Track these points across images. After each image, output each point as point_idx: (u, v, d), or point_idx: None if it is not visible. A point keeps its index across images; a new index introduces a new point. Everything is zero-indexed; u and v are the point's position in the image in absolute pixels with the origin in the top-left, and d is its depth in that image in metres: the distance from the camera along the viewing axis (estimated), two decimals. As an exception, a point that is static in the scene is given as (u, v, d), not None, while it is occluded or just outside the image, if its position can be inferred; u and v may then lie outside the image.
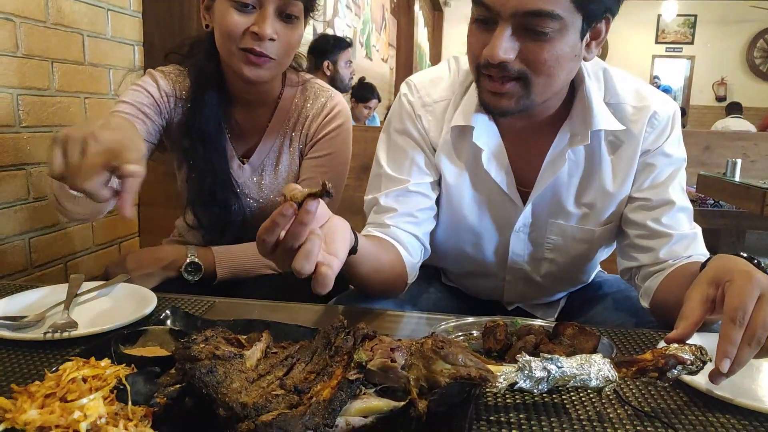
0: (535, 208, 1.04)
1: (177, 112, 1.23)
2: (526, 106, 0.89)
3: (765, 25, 11.93)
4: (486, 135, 1.00)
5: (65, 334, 0.77)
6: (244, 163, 1.26)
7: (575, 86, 0.97)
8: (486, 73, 0.88)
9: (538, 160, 1.00)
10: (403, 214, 1.02)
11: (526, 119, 0.98)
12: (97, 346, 0.71)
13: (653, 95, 1.00)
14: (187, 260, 1.18)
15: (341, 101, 1.28)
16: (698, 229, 0.99)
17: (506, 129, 1.01)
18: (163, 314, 0.82)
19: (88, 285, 0.97)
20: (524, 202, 1.03)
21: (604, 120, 0.95)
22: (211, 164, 1.21)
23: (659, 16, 12.33)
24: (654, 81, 11.29)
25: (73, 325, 0.80)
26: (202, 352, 0.59)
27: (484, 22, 0.86)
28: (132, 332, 0.73)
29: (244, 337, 0.66)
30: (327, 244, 0.69)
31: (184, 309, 0.87)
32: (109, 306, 0.93)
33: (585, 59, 0.91)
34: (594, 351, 0.75)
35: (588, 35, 0.88)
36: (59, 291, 0.93)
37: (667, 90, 11.37)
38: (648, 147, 0.99)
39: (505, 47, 0.83)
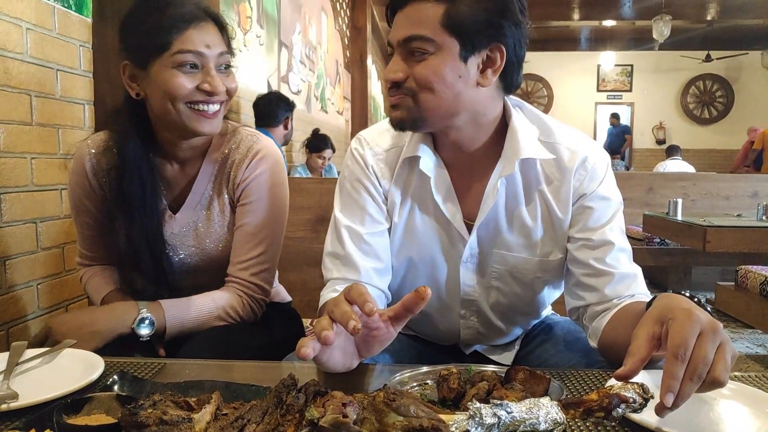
0: (479, 239, 1.08)
1: (110, 181, 1.25)
2: (417, 120, 1.00)
3: (696, 73, 12.82)
4: (431, 165, 1.06)
5: (4, 406, 0.73)
6: (174, 213, 1.27)
7: (508, 123, 1.05)
8: (388, 95, 1.02)
9: (480, 192, 1.06)
10: (368, 269, 1.06)
11: (461, 151, 1.06)
12: (39, 417, 0.68)
13: (586, 142, 1.08)
14: (139, 316, 1.14)
15: (268, 145, 1.29)
16: (638, 270, 1.04)
17: (449, 162, 1.08)
18: (111, 379, 0.80)
19: (31, 352, 0.93)
20: (470, 233, 1.08)
21: (531, 149, 1.02)
22: (140, 219, 1.21)
23: (599, 66, 13.08)
24: (613, 119, 11.83)
25: (14, 396, 0.76)
26: (149, 417, 0.57)
27: (391, 56, 1.02)
28: (76, 400, 0.71)
29: (194, 399, 0.64)
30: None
31: (132, 373, 0.85)
32: (54, 374, 0.89)
33: (481, 85, 0.99)
34: (545, 394, 0.76)
35: (479, 62, 0.98)
36: (-1, 360, 0.89)
37: (625, 130, 11.94)
38: (584, 191, 1.05)
39: (395, 69, 0.98)
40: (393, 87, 0.99)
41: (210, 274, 1.29)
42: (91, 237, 1.32)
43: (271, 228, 1.27)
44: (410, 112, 0.99)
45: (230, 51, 1.20)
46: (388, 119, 1.16)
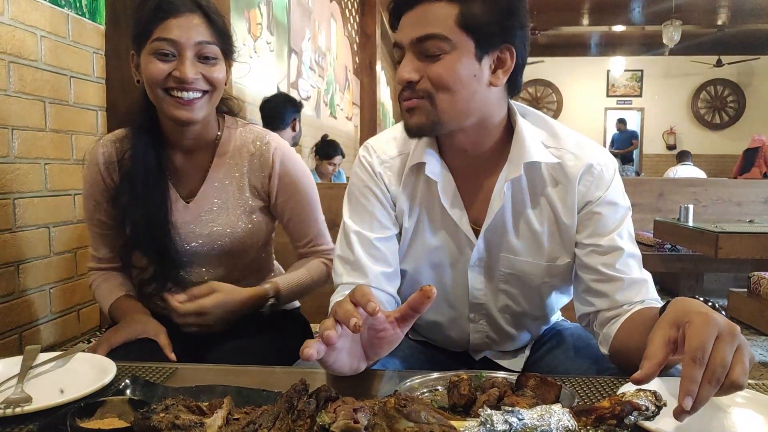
0: (487, 243, 1.08)
1: (119, 170, 1.28)
2: (435, 123, 0.98)
3: (706, 78, 12.75)
4: (437, 170, 1.06)
5: (18, 410, 0.74)
6: (188, 203, 1.29)
7: (513, 127, 1.05)
8: (401, 98, 1.00)
9: (486, 196, 1.06)
10: (378, 273, 1.06)
11: (467, 155, 1.05)
12: (53, 420, 0.69)
13: (592, 148, 1.07)
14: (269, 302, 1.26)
15: (277, 138, 1.36)
16: (648, 276, 1.03)
17: (454, 167, 1.08)
18: (123, 384, 0.80)
19: (44, 356, 0.94)
20: (476, 237, 1.08)
21: (536, 153, 1.02)
22: (148, 205, 1.24)
23: (608, 71, 13.04)
24: (619, 123, 11.76)
25: (27, 399, 0.77)
26: (161, 422, 0.58)
27: (400, 60, 1.00)
28: (89, 404, 0.71)
29: (206, 404, 0.65)
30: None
31: (144, 377, 0.85)
32: (67, 378, 0.89)
33: (493, 85, 1.00)
34: (556, 401, 0.76)
35: (491, 62, 0.98)
36: (13, 364, 0.90)
37: (633, 135, 11.86)
38: (591, 197, 1.04)
39: (409, 69, 0.96)
40: (406, 88, 0.98)
41: (220, 264, 1.32)
42: (101, 236, 1.33)
43: (311, 204, 1.38)
44: (429, 116, 0.98)
45: (218, 42, 1.20)
46: (398, 125, 1.17)
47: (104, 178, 1.29)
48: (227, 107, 1.33)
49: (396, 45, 1.00)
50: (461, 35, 0.95)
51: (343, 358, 0.78)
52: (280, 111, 3.50)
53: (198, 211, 1.29)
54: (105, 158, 1.29)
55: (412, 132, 1.01)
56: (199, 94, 1.18)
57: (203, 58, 1.18)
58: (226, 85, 1.27)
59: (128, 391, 0.79)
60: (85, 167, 1.32)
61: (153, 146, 1.25)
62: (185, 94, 1.16)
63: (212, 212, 1.29)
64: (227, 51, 1.24)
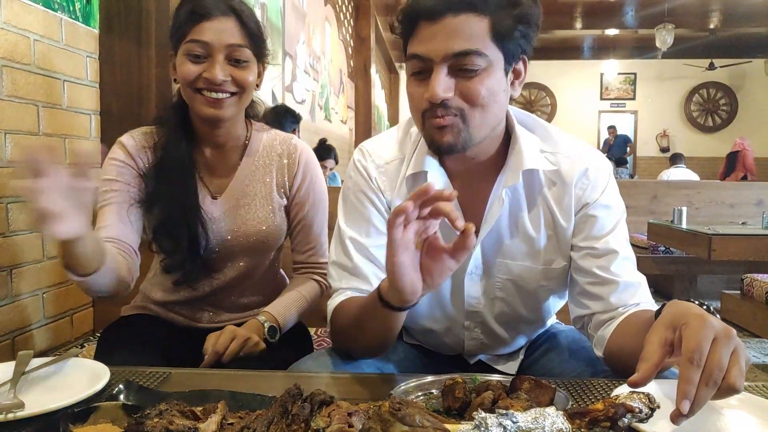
0: (483, 250, 1.08)
1: (152, 160, 1.30)
2: (466, 140, 0.97)
3: (699, 81, 12.84)
4: (438, 178, 1.05)
5: (10, 416, 0.74)
6: (216, 199, 1.32)
7: (510, 133, 1.05)
8: (430, 115, 0.96)
9: (483, 203, 1.05)
10: (378, 279, 1.05)
11: (470, 162, 1.05)
12: (46, 426, 0.69)
13: (588, 151, 1.08)
14: (266, 327, 1.26)
15: (305, 146, 1.42)
16: (643, 278, 1.04)
17: (453, 174, 1.07)
18: (116, 389, 0.80)
19: (37, 361, 0.93)
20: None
21: (534, 161, 1.03)
22: (178, 198, 1.26)
23: (602, 74, 13.11)
24: (610, 129, 11.80)
25: (20, 405, 0.76)
26: (155, 427, 0.58)
27: (419, 72, 0.96)
28: (83, 410, 0.71)
29: (200, 408, 0.65)
30: None
31: (138, 382, 0.85)
32: (60, 383, 0.89)
33: (512, 97, 1.01)
34: (550, 403, 0.76)
35: (511, 74, 0.99)
36: (5, 369, 0.89)
37: (626, 139, 11.91)
38: (587, 200, 1.04)
39: (444, 87, 0.93)
40: (439, 106, 0.93)
41: (241, 262, 1.35)
42: (113, 224, 1.25)
43: (322, 213, 1.43)
44: (461, 134, 0.95)
45: (249, 45, 1.23)
46: (393, 129, 1.16)
47: (134, 158, 1.28)
48: (254, 113, 1.38)
49: (416, 57, 0.95)
50: (494, 49, 0.93)
51: (407, 263, 0.81)
52: (279, 121, 3.62)
53: (225, 207, 1.32)
54: (134, 143, 1.29)
55: (443, 150, 0.98)
56: (227, 95, 1.21)
57: (234, 61, 1.21)
58: (258, 88, 1.30)
59: (122, 397, 0.79)
60: (109, 153, 1.30)
61: (185, 139, 1.28)
62: (214, 94, 1.20)
63: (240, 208, 1.32)
64: (260, 54, 1.27)
